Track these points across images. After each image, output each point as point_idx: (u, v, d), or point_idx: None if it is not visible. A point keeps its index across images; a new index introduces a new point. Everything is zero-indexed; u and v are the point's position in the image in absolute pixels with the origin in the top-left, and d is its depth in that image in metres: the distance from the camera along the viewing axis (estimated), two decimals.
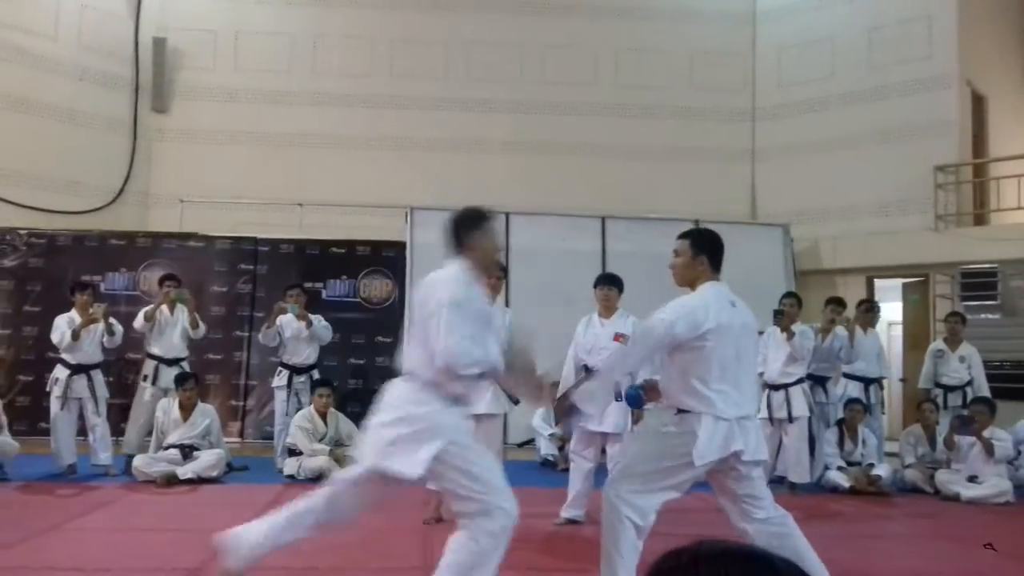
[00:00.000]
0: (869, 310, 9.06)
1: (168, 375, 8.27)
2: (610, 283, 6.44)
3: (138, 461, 7.66)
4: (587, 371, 6.29)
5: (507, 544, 3.65)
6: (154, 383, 8.26)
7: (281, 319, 8.43)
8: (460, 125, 12.81)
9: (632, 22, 13.41)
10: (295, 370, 8.50)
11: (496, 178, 12.40)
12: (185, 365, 8.47)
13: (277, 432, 8.40)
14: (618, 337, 6.24)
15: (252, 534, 3.74)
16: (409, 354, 3.78)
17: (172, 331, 8.35)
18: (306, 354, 8.55)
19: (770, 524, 3.89)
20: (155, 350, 8.34)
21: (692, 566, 1.01)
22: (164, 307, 8.42)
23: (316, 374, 8.62)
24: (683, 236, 4.23)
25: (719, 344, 3.85)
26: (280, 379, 8.50)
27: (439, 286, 3.67)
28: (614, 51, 13.31)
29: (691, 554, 1.03)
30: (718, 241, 4.20)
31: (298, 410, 8.34)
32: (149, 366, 8.33)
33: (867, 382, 8.73)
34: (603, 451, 6.33)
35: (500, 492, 3.64)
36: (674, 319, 3.87)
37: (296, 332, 8.46)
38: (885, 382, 9.14)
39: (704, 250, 4.10)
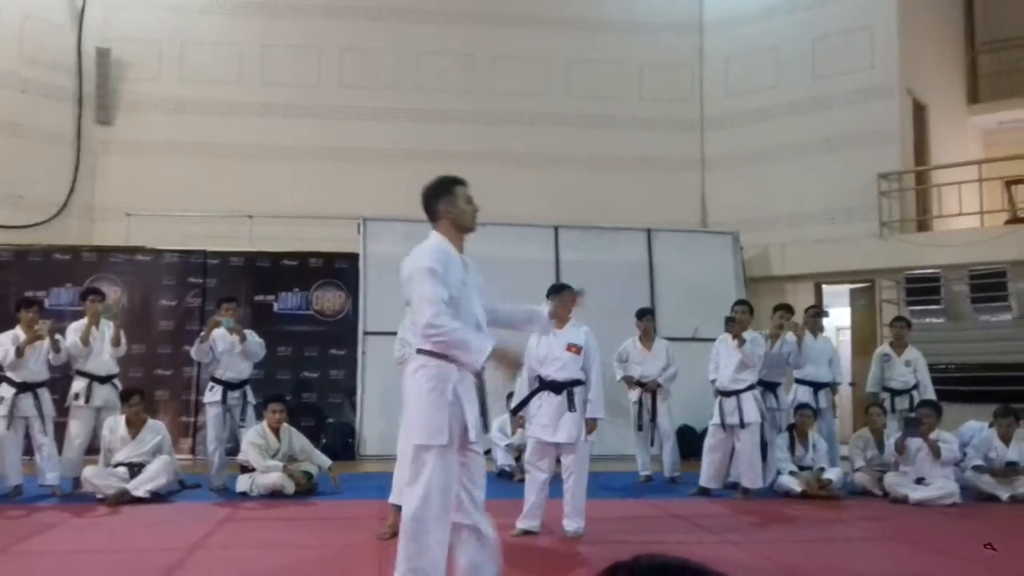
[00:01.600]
0: (817, 315, 9.21)
1: (101, 393, 8.02)
2: (561, 293, 6.44)
3: (88, 472, 7.47)
4: (540, 382, 6.30)
5: None
6: (87, 402, 7.98)
7: (215, 333, 8.26)
8: (412, 135, 12.78)
9: (582, 33, 13.52)
10: (228, 385, 8.31)
11: None
12: (117, 382, 8.20)
13: (211, 450, 8.21)
14: (571, 348, 6.25)
15: None
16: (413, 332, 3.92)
17: (101, 347, 8.05)
18: (239, 369, 8.38)
19: None
20: (87, 367, 8.03)
21: None
22: (88, 322, 8.09)
23: (249, 390, 8.45)
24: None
25: None
26: (213, 395, 8.28)
27: (414, 258, 3.89)
28: (564, 62, 13.39)
29: (628, 569, 1.03)
30: None
31: (231, 426, 8.21)
32: (80, 384, 8.00)
33: (817, 387, 8.86)
34: (558, 461, 6.33)
35: None
36: None
37: (229, 347, 8.27)
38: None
39: None
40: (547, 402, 6.23)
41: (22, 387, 7.72)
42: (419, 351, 3.90)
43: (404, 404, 4.04)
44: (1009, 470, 8.00)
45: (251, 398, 8.42)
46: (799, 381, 8.91)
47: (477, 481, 4.03)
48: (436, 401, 3.81)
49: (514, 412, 6.73)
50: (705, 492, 8.01)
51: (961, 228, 11.58)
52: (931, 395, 8.78)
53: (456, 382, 3.81)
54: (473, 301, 4.05)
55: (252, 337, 8.41)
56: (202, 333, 8.33)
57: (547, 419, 6.19)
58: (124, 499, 7.30)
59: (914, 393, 8.89)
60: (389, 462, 6.38)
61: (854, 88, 12.28)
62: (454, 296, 3.85)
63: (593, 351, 6.27)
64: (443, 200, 4.05)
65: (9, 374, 7.73)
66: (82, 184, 12.21)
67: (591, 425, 6.19)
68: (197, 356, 8.40)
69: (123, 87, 12.52)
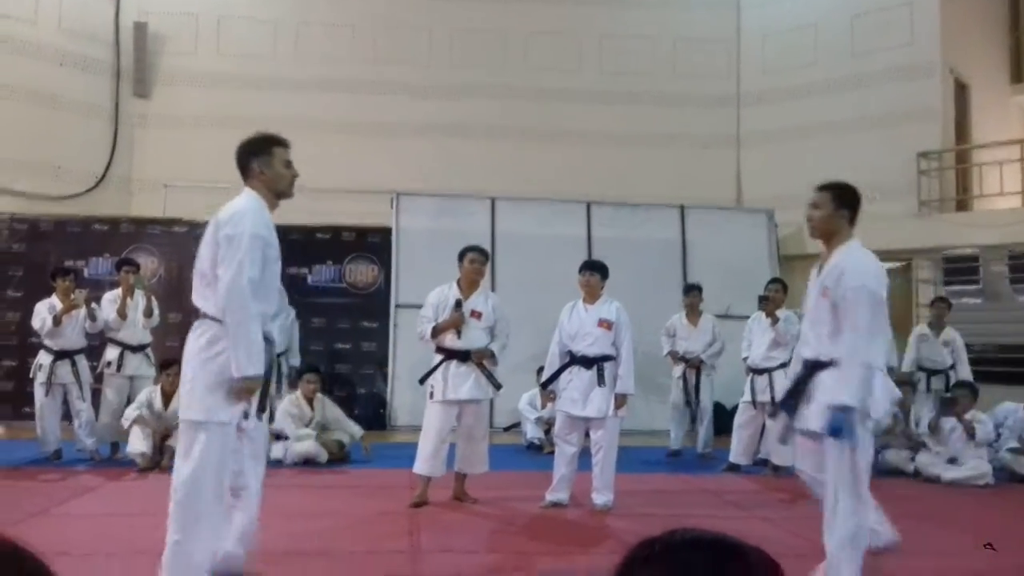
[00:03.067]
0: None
1: (133, 362, 8.14)
2: (593, 269, 6.44)
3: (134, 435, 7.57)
4: (571, 357, 6.32)
5: None
6: (118, 370, 8.09)
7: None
8: (445, 111, 12.78)
9: (616, 8, 13.40)
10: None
11: (481, 164, 12.40)
12: (149, 352, 8.30)
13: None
14: (602, 323, 6.26)
15: None
16: (205, 296, 3.73)
17: (135, 317, 8.16)
18: (277, 340, 8.36)
19: None
20: (119, 336, 8.14)
21: (665, 555, 1.02)
22: (122, 292, 8.20)
23: (284, 360, 8.38)
24: (822, 188, 4.14)
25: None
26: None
27: (236, 218, 3.66)
28: (598, 38, 13.29)
29: (664, 543, 1.04)
30: (858, 195, 4.14)
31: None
32: (113, 353, 8.11)
33: None
34: (587, 435, 6.36)
35: None
36: (879, 283, 3.91)
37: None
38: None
39: (845, 204, 4.07)
40: (577, 376, 6.26)
41: (60, 355, 7.87)
42: (212, 318, 3.69)
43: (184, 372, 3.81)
44: None
45: (284, 368, 8.50)
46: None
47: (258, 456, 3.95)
48: (220, 375, 3.66)
49: (544, 386, 6.75)
50: (735, 468, 8.00)
51: (1001, 208, 11.39)
52: (967, 376, 8.69)
53: None
54: (277, 277, 3.87)
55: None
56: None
57: (577, 393, 6.22)
58: (154, 466, 7.44)
59: (950, 373, 8.80)
60: (419, 432, 6.46)
61: (894, 66, 12.07)
62: (265, 270, 3.68)
63: (624, 327, 6.27)
64: (259, 159, 3.84)
65: (47, 342, 7.89)
66: (120, 156, 12.36)
67: (620, 400, 6.20)
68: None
69: (160, 61, 12.63)
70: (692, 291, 9.23)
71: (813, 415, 3.99)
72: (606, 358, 6.24)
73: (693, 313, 9.12)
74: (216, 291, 3.65)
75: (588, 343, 6.26)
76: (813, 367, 4.04)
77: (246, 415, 3.80)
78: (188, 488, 3.65)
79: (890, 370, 8.31)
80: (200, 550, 3.65)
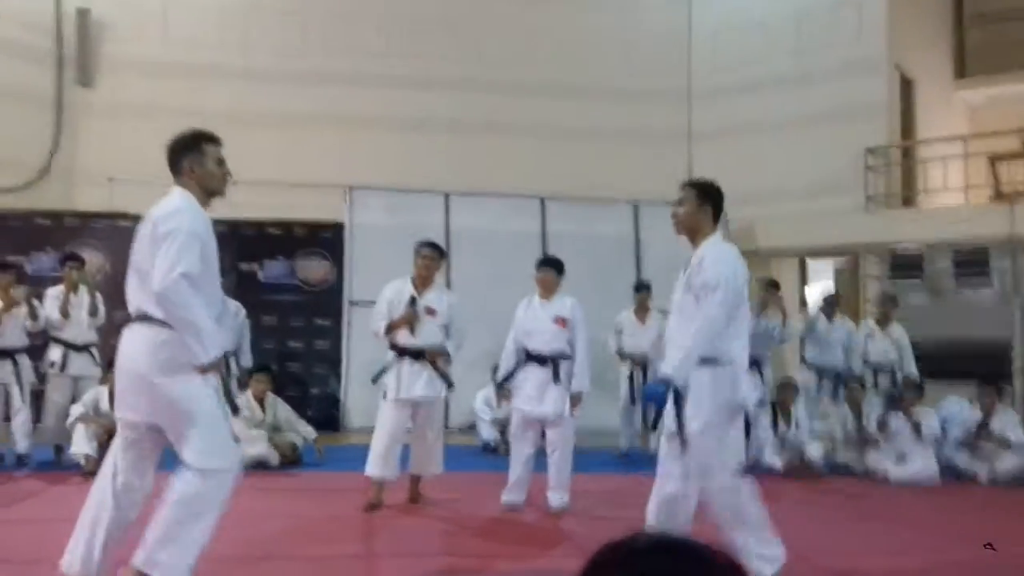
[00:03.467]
0: (828, 301, 9.38)
1: (78, 362, 7.91)
2: (549, 266, 6.43)
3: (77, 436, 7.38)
4: (526, 354, 6.30)
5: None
6: (62, 370, 7.86)
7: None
8: (398, 103, 12.64)
9: (571, 3, 13.39)
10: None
11: (436, 158, 12.30)
12: (94, 351, 8.08)
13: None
14: (558, 320, 6.25)
15: None
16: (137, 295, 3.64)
17: (79, 314, 7.93)
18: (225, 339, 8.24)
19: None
20: (63, 335, 7.90)
21: (628, 559, 1.01)
22: (65, 288, 7.96)
23: (233, 361, 8.17)
24: (687, 185, 4.30)
25: (740, 295, 4.10)
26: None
27: (175, 216, 3.58)
28: (552, 31, 13.25)
29: (627, 548, 1.03)
30: (720, 192, 4.27)
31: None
32: (56, 352, 7.87)
33: (823, 372, 9.07)
34: (543, 435, 6.34)
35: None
36: (733, 272, 4.04)
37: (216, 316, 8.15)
38: None
39: (708, 200, 4.20)
40: (532, 375, 6.24)
41: (0, 354, 7.64)
42: (153, 319, 3.58)
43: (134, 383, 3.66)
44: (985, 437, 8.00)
45: (235, 369, 8.36)
46: (805, 362, 9.09)
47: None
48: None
49: (500, 385, 6.73)
50: None
51: (947, 204, 11.62)
52: (913, 372, 8.84)
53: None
54: (216, 277, 3.79)
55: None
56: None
57: (532, 391, 6.20)
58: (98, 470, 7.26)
59: (896, 370, 8.95)
60: (372, 434, 6.39)
61: (841, 62, 12.22)
62: (204, 269, 3.62)
63: (580, 324, 6.26)
64: (190, 157, 3.77)
65: None
66: (63, 148, 12.00)
67: (576, 399, 6.20)
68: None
69: (104, 49, 12.27)
70: (642, 289, 9.29)
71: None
72: (562, 356, 6.23)
73: (642, 311, 9.17)
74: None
75: (544, 340, 6.25)
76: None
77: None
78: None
79: (789, 381, 8.53)
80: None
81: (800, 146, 12.25)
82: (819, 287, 13.26)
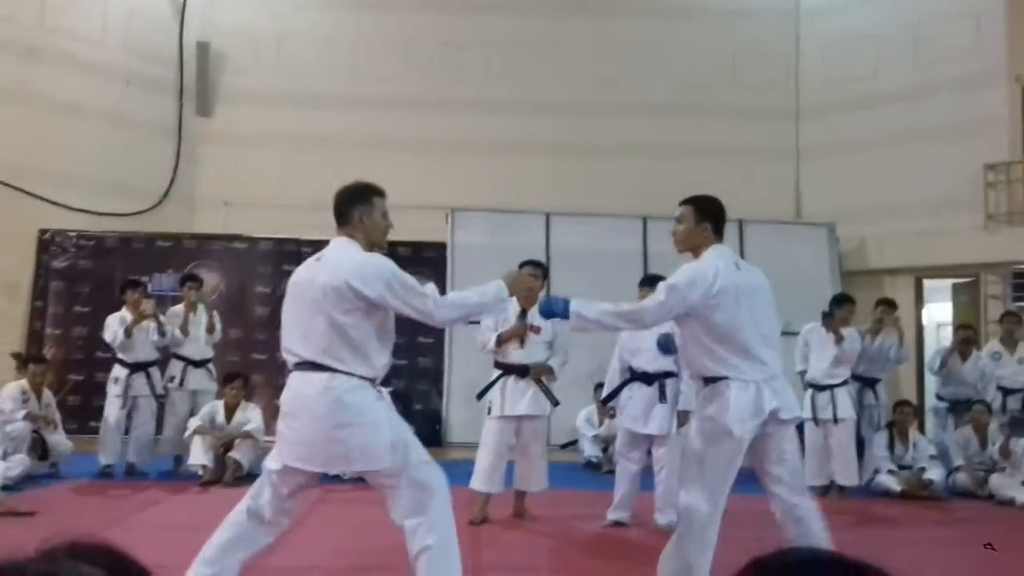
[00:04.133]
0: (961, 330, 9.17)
1: (195, 377, 8.27)
2: (652, 284, 6.35)
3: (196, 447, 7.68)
4: (632, 373, 6.25)
5: None
6: (181, 385, 8.23)
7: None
8: (500, 126, 12.78)
9: (674, 20, 13.30)
10: None
11: (537, 179, 12.38)
12: (211, 367, 8.43)
13: None
14: (664, 339, 6.18)
15: None
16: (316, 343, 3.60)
17: (197, 332, 8.30)
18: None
19: (798, 508, 3.94)
20: (183, 351, 8.29)
21: (783, 574, 0.99)
22: (184, 307, 8.36)
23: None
24: (685, 202, 4.27)
25: (729, 307, 3.89)
26: None
27: (370, 264, 3.61)
28: (656, 49, 13.17)
29: (780, 562, 1.00)
30: (720, 206, 4.24)
31: None
32: (176, 367, 8.28)
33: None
34: (648, 453, 6.28)
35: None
36: (686, 283, 3.91)
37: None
38: (933, 383, 9.05)
39: (707, 216, 4.15)
40: (638, 393, 6.19)
41: (135, 367, 8.00)
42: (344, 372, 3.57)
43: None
44: None
45: None
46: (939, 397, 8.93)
47: None
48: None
49: (605, 402, 6.70)
50: (825, 491, 7.80)
51: None
52: None
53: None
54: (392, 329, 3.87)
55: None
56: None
57: (638, 410, 6.15)
58: (217, 480, 7.52)
59: None
60: (474, 449, 6.43)
61: (959, 75, 11.79)
62: (386, 321, 3.70)
63: None
64: (359, 208, 3.78)
65: (120, 355, 8.01)
66: (182, 174, 12.56)
67: (683, 417, 6.11)
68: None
69: (221, 80, 12.85)
70: None
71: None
72: (667, 374, 6.17)
73: None
74: (348, 346, 3.56)
75: (649, 358, 6.20)
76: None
77: None
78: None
79: (906, 403, 8.21)
80: None
81: (915, 162, 11.84)
82: (937, 308, 12.77)
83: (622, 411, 6.29)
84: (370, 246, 3.80)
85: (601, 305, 4.06)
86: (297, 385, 3.65)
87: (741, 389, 3.84)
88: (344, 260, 3.65)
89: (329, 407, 3.54)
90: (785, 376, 4.13)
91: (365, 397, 3.58)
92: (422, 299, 3.63)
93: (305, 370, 3.62)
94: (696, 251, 4.13)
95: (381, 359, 3.67)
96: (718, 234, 4.13)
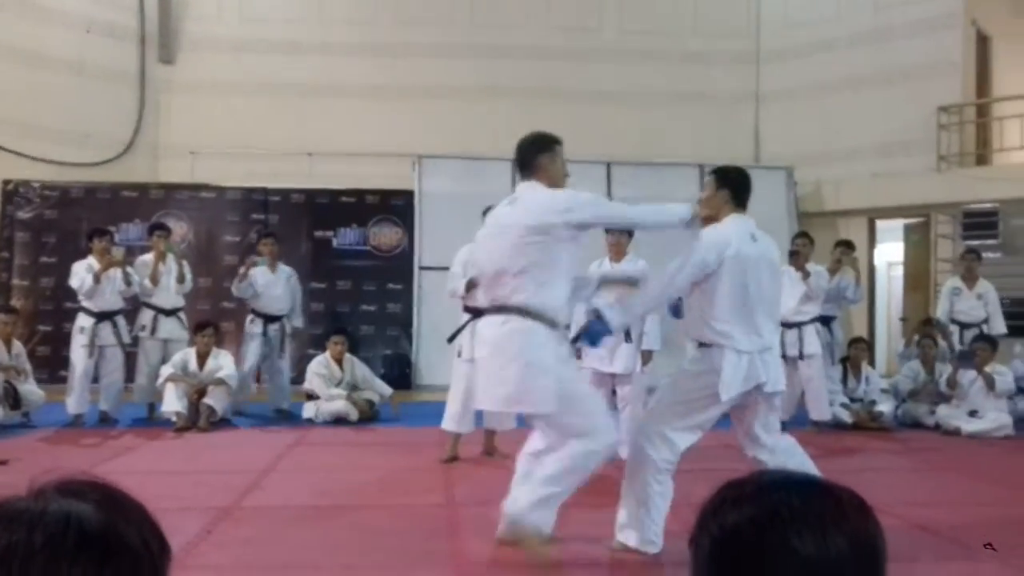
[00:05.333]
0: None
1: (167, 326, 8.31)
2: (620, 229, 6.54)
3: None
4: (596, 314, 6.43)
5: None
6: (152, 334, 8.28)
7: (253, 270, 8.48)
8: (467, 72, 12.78)
9: None
10: (268, 318, 8.59)
11: (502, 125, 12.37)
12: (182, 315, 8.49)
13: (244, 375, 8.40)
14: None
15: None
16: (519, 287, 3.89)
17: (168, 281, 8.32)
18: (279, 302, 8.65)
19: (779, 450, 4.10)
20: (153, 300, 8.32)
21: (756, 496, 1.02)
22: (154, 257, 8.37)
23: (287, 322, 8.71)
24: (711, 172, 4.39)
25: (737, 276, 3.99)
26: (254, 327, 8.56)
27: (561, 195, 3.98)
28: None
29: (754, 484, 1.04)
30: (742, 177, 4.32)
31: (266, 357, 8.53)
32: (147, 316, 8.31)
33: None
34: (613, 392, 6.50)
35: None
36: (706, 246, 4.04)
37: (269, 282, 8.56)
38: (884, 320, 9.32)
39: (726, 184, 4.24)
40: None
41: (101, 316, 7.98)
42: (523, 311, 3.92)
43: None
44: None
45: (289, 329, 8.73)
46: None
47: None
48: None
49: (572, 342, 6.88)
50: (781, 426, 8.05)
51: (1022, 162, 11.35)
52: (1002, 329, 8.72)
53: None
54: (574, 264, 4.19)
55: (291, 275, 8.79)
56: (241, 271, 8.52)
57: (603, 350, 6.33)
58: (191, 426, 7.66)
59: (984, 327, 8.75)
60: (444, 391, 6.62)
61: (917, 19, 11.96)
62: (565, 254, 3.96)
63: None
64: (546, 156, 4.09)
65: (87, 304, 7.97)
66: (147, 123, 12.45)
67: (647, 356, 6.34)
68: (238, 293, 8.63)
69: (184, 26, 12.66)
70: None
71: None
72: None
73: None
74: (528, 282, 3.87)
75: (613, 300, 6.37)
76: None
77: None
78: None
79: (860, 339, 8.33)
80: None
81: (871, 106, 12.07)
82: (888, 248, 13.12)
83: (587, 351, 6.47)
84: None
85: (635, 302, 4.25)
86: None
87: (735, 358, 3.95)
88: (529, 199, 4.04)
89: None
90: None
91: None
92: (606, 210, 4.26)
93: None
94: (716, 218, 4.22)
95: None
96: (738, 203, 4.21)
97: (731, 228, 4.10)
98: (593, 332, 4.19)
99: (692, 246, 4.07)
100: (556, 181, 4.07)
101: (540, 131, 4.23)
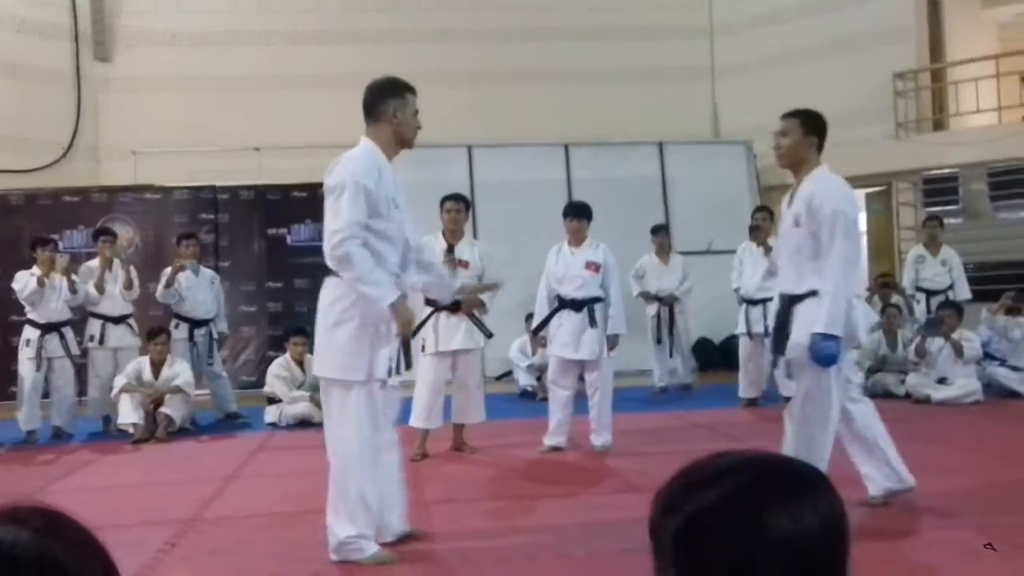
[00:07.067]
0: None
1: (116, 334, 8.02)
2: (578, 215, 6.40)
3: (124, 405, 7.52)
4: (560, 301, 6.30)
5: None
6: (101, 343, 7.98)
7: (180, 276, 8.22)
8: (417, 57, 12.47)
9: None
10: (194, 323, 8.35)
11: (456, 111, 12.18)
12: (132, 323, 8.21)
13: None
14: (590, 266, 6.26)
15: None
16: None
17: (115, 288, 8.03)
18: (205, 306, 8.45)
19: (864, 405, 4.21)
20: (100, 309, 8.02)
21: (719, 476, 1.00)
22: (100, 263, 8.08)
23: (214, 326, 8.50)
24: (790, 115, 4.13)
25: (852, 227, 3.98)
26: (179, 332, 8.30)
27: (343, 165, 3.69)
28: None
29: (714, 467, 1.02)
30: (824, 121, 4.12)
31: (194, 362, 8.23)
32: (95, 326, 8.00)
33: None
34: (581, 378, 6.38)
35: None
36: (850, 204, 3.96)
37: (193, 286, 8.33)
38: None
39: (814, 130, 4.05)
40: (568, 320, 6.25)
41: (47, 328, 7.71)
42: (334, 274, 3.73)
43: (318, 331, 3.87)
44: None
45: (215, 334, 8.53)
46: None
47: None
48: (360, 334, 3.70)
49: (535, 332, 6.76)
50: (752, 403, 8.02)
51: (979, 125, 11.37)
52: (967, 295, 8.79)
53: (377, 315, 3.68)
54: (405, 226, 3.86)
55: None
56: (167, 274, 8.21)
57: (568, 337, 6.22)
58: (149, 437, 7.40)
59: (949, 293, 8.81)
60: (408, 388, 6.42)
61: None
62: (380, 218, 3.67)
63: (612, 268, 6.31)
64: (394, 102, 3.81)
65: (32, 316, 7.71)
66: (86, 124, 12.03)
67: (613, 341, 6.22)
68: (163, 299, 8.37)
69: (120, 21, 12.24)
70: (660, 231, 9.44)
71: (793, 345, 3.99)
72: (596, 300, 6.24)
73: (663, 253, 9.24)
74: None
75: (576, 286, 6.26)
76: (791, 300, 4.04)
77: (390, 371, 3.81)
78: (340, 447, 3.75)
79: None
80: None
81: (827, 75, 11.99)
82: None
83: (552, 339, 6.35)
84: (400, 144, 3.83)
85: (830, 304, 3.88)
86: None
87: (858, 302, 3.99)
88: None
89: None
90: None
91: None
92: (336, 222, 3.67)
93: None
94: (798, 167, 4.03)
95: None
96: (820, 150, 4.03)
97: (840, 179, 4.00)
98: (825, 356, 3.89)
99: (827, 214, 3.89)
100: (405, 132, 3.83)
101: (393, 76, 3.95)
